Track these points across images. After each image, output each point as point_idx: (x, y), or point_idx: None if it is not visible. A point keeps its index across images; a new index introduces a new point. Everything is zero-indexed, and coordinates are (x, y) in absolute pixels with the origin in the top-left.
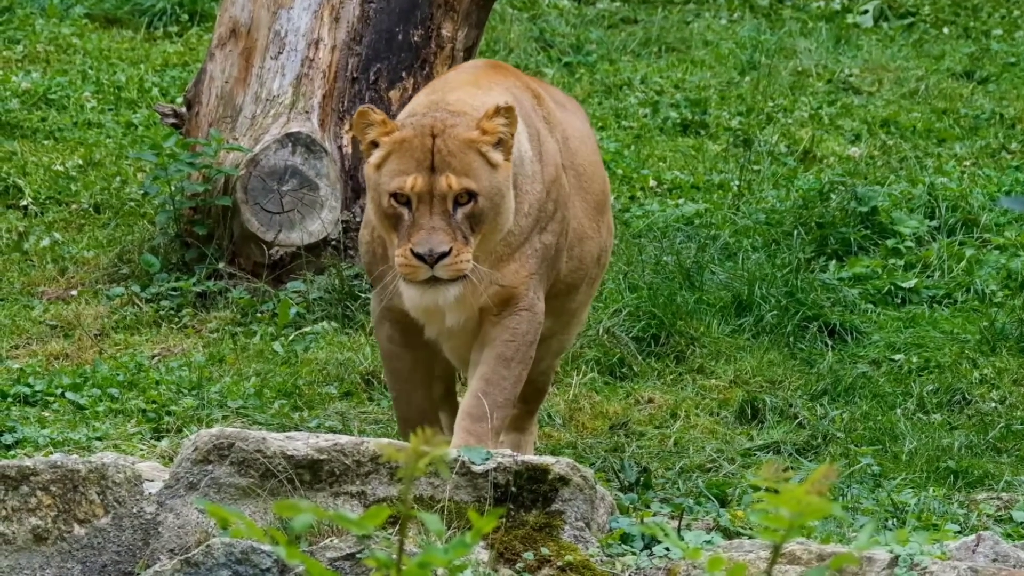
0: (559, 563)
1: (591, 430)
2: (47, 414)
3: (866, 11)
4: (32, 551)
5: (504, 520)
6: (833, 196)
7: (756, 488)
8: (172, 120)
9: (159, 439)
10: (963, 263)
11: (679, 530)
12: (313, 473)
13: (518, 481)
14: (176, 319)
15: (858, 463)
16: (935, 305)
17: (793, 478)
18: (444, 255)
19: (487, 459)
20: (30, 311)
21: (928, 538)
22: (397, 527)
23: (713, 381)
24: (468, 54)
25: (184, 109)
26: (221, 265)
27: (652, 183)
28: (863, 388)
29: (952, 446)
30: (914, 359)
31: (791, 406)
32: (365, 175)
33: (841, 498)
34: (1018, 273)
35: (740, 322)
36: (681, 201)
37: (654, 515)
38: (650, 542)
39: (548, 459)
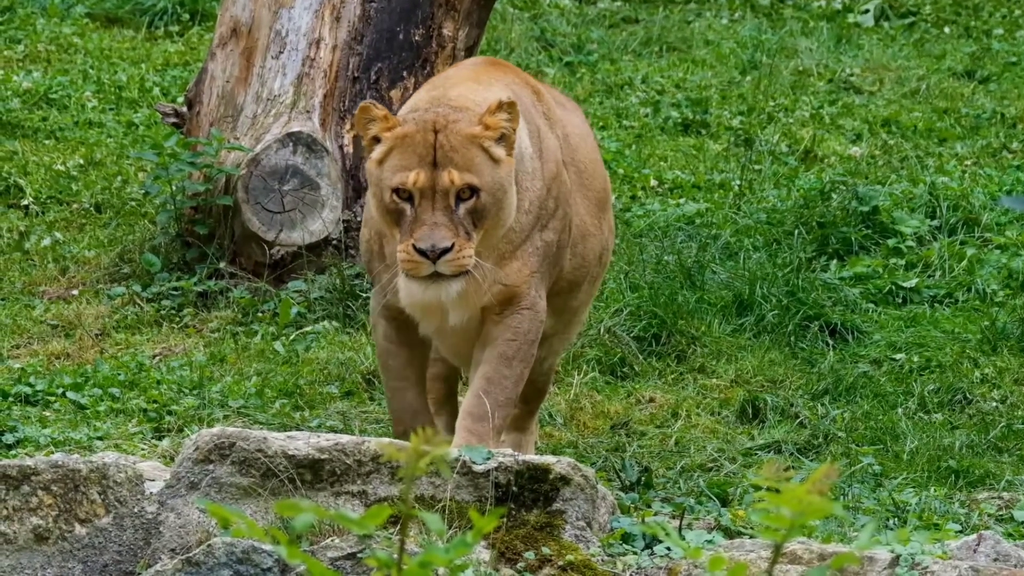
0: (560, 563)
1: (592, 429)
2: (48, 414)
3: (867, 10)
4: (33, 551)
5: (505, 519)
6: (834, 196)
7: (757, 487)
8: (173, 120)
9: (160, 439)
10: (964, 263)
11: (680, 530)
12: (314, 473)
13: (519, 480)
14: (177, 319)
15: (859, 463)
16: (936, 305)
17: (794, 478)
18: (446, 251)
19: (488, 458)
20: (31, 311)
21: (929, 537)
22: (398, 527)
23: (714, 380)
24: (469, 53)
25: (185, 108)
26: (222, 265)
27: (653, 182)
28: (864, 387)
29: (953, 445)
30: (915, 359)
31: (792, 405)
32: (367, 171)
33: (842, 497)
34: (1019, 273)
35: (741, 322)
36: (682, 200)
37: (655, 515)
38: (651, 542)
39: (549, 459)
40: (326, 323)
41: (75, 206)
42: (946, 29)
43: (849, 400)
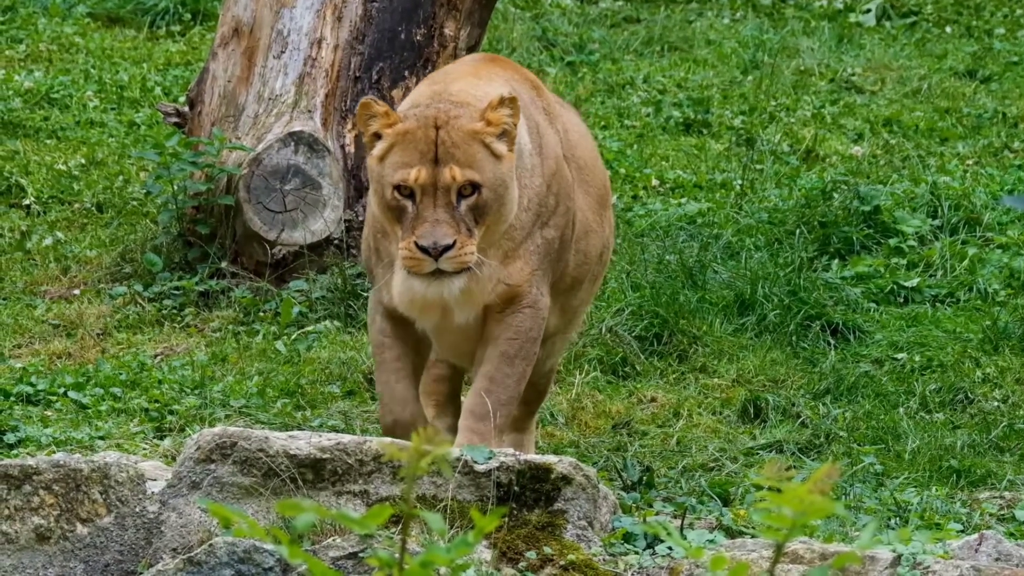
0: (562, 562)
1: (594, 429)
2: (50, 413)
3: (869, 10)
4: (35, 550)
5: (507, 519)
6: (836, 195)
7: (759, 487)
8: (175, 119)
9: (162, 438)
10: (965, 262)
11: (682, 529)
12: (316, 472)
13: (521, 480)
14: (179, 318)
15: (861, 462)
16: (938, 304)
17: (796, 477)
18: (448, 248)
19: (490, 458)
20: (33, 310)
21: (931, 537)
22: (400, 526)
23: (716, 380)
24: (470, 53)
25: (187, 108)
26: (224, 264)
27: (655, 182)
28: (866, 387)
29: (955, 445)
30: (917, 358)
31: (794, 405)
32: (368, 167)
33: (844, 497)
34: (1020, 272)
35: (743, 321)
36: (684, 200)
37: (657, 514)
38: (653, 541)
39: (551, 458)
40: (328, 323)
41: (77, 206)
42: (947, 29)
43: (851, 400)
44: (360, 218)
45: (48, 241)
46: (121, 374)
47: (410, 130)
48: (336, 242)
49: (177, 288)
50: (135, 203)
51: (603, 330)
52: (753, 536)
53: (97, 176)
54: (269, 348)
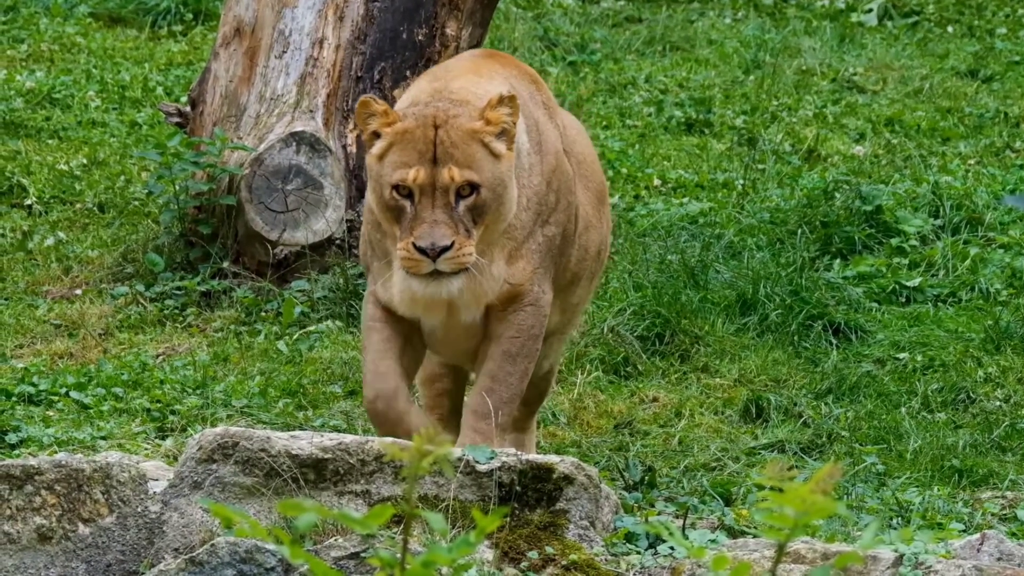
0: (563, 562)
1: (596, 429)
2: (51, 413)
3: (870, 10)
4: (37, 550)
5: (508, 519)
6: (837, 195)
7: (761, 487)
8: (176, 119)
9: (163, 438)
10: (967, 262)
11: (683, 529)
12: (317, 472)
13: (523, 480)
14: (180, 318)
15: (862, 462)
16: (939, 304)
17: (797, 477)
18: (446, 249)
19: (492, 458)
20: (34, 310)
21: (932, 537)
22: (401, 526)
23: (717, 380)
24: None
25: (188, 108)
26: (225, 264)
27: (656, 182)
28: (867, 387)
29: (957, 445)
30: (918, 358)
31: (795, 405)
32: (367, 166)
33: (845, 497)
34: (1022, 272)
35: (744, 321)
36: (685, 200)
37: (658, 514)
38: (654, 541)
39: (552, 458)
40: (329, 323)
41: (78, 206)
42: (949, 28)
43: (852, 399)
44: (362, 218)
45: (50, 241)
46: (123, 374)
47: (409, 129)
48: (338, 242)
49: (179, 288)
50: (137, 203)
51: (605, 330)
52: (755, 536)
53: (99, 176)
54: (271, 348)
